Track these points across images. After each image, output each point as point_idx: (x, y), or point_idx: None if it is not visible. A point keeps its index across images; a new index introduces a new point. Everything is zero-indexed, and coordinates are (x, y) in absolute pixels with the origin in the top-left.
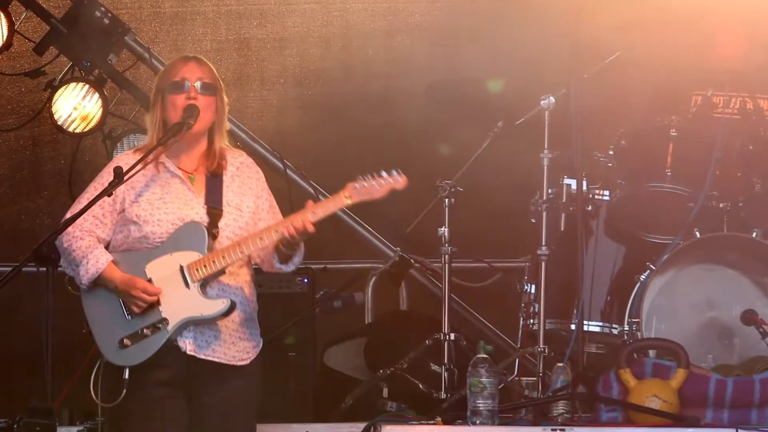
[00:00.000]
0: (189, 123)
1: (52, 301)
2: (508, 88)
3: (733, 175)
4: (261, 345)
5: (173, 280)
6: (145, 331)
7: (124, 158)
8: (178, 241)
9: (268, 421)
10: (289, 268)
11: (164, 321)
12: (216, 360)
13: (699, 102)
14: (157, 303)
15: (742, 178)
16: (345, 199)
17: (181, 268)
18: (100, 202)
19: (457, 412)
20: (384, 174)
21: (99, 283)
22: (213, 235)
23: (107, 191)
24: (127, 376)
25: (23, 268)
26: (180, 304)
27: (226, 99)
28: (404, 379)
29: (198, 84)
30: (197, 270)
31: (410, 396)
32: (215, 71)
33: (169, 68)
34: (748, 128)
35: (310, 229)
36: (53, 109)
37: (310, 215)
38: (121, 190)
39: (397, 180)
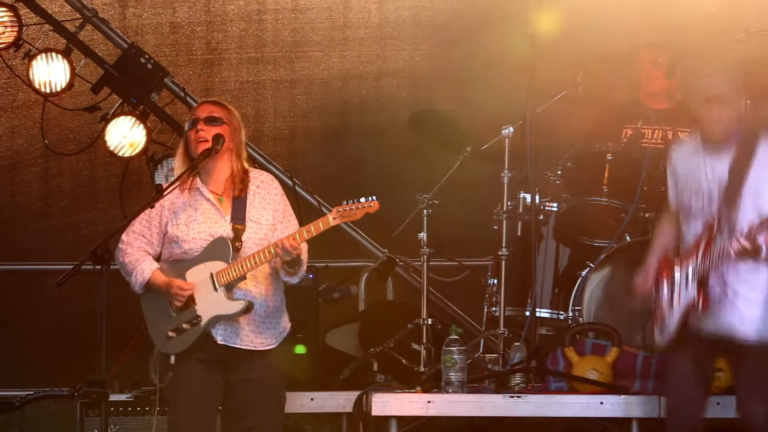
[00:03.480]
0: (216, 149)
1: (106, 294)
2: (476, 120)
3: (657, 191)
4: (287, 331)
5: (206, 284)
6: (184, 325)
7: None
8: (210, 253)
9: None
10: (294, 280)
11: (199, 317)
12: (244, 347)
13: (630, 133)
14: (194, 303)
15: (665, 193)
16: (331, 220)
17: (211, 275)
18: (147, 224)
19: (434, 383)
20: (362, 200)
21: (149, 288)
22: (236, 248)
23: (149, 204)
24: (173, 361)
25: (82, 267)
26: (210, 304)
27: (243, 130)
28: (391, 356)
29: (205, 118)
30: (222, 276)
31: (396, 370)
32: (230, 108)
33: (191, 111)
34: (669, 153)
35: (297, 247)
36: (106, 138)
37: (305, 233)
38: (164, 215)
39: (370, 205)
